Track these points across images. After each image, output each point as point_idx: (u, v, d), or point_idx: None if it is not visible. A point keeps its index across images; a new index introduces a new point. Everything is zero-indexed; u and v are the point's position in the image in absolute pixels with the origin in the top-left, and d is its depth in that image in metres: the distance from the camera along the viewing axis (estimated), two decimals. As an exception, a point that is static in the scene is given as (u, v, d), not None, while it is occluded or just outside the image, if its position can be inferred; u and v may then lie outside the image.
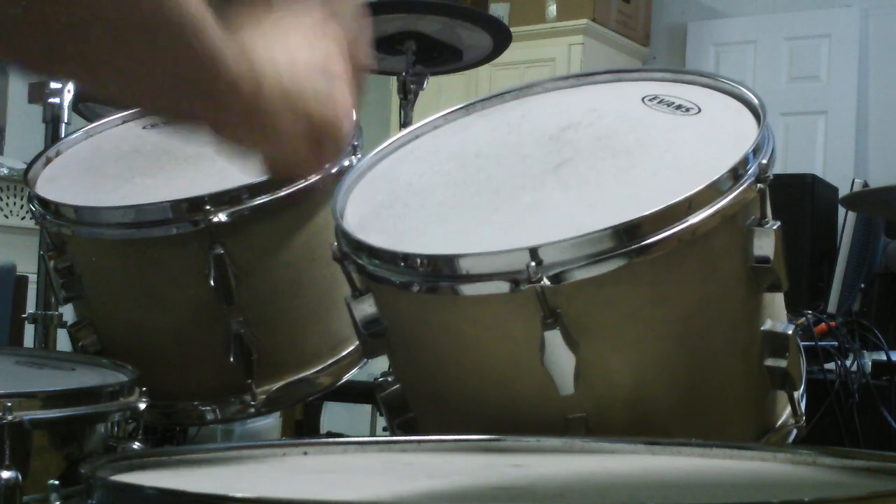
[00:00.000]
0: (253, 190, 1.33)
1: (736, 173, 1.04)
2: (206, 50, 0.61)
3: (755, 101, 1.17)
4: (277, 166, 0.74)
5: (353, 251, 1.12)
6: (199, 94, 0.64)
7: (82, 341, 1.45)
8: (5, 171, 4.19)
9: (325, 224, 1.32)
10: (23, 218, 4.10)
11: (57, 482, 0.79)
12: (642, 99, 1.25)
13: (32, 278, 1.97)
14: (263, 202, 1.33)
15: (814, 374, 1.95)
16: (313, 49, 0.72)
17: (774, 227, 1.06)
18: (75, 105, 2.06)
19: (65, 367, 1.26)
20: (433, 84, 2.29)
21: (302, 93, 0.69)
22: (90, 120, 1.88)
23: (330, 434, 2.81)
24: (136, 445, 1.04)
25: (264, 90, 0.66)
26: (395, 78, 2.33)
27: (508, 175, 1.18)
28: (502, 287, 1.00)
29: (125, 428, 1.06)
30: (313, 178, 1.35)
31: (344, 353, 1.46)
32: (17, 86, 4.75)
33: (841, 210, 2.89)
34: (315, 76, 0.71)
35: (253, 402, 1.41)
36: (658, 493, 0.76)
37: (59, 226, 1.38)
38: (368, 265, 1.09)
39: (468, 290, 1.02)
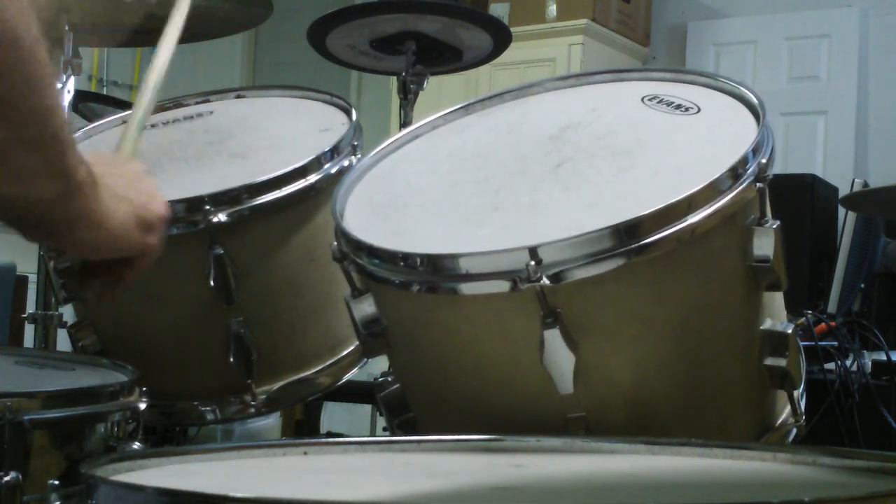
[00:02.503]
0: (253, 190, 1.33)
1: (735, 172, 1.04)
2: (66, 163, 0.90)
3: (755, 100, 1.17)
4: (109, 250, 1.02)
5: (352, 251, 1.12)
6: (52, 194, 0.90)
7: (82, 341, 1.45)
8: (5, 171, 4.18)
9: (325, 224, 1.31)
10: (23, 218, 4.09)
11: (57, 482, 0.79)
12: (642, 99, 1.25)
13: (32, 278, 1.97)
14: (263, 202, 1.33)
15: (814, 374, 1.95)
16: (133, 177, 1.06)
17: (774, 227, 1.07)
18: (75, 105, 2.06)
19: (65, 367, 1.26)
20: (433, 84, 2.28)
21: (129, 197, 1.02)
22: (90, 120, 1.87)
23: (330, 434, 2.81)
24: (136, 445, 1.03)
25: (100, 192, 0.96)
26: (395, 78, 2.32)
27: (508, 175, 1.18)
28: (502, 286, 1.00)
29: (125, 428, 1.06)
30: (314, 178, 1.35)
31: (344, 353, 1.46)
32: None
33: (841, 210, 2.89)
34: (137, 189, 1.04)
35: (253, 402, 1.40)
36: (658, 493, 0.76)
37: (59, 226, 1.37)
38: (368, 265, 1.09)
39: (468, 289, 1.02)
